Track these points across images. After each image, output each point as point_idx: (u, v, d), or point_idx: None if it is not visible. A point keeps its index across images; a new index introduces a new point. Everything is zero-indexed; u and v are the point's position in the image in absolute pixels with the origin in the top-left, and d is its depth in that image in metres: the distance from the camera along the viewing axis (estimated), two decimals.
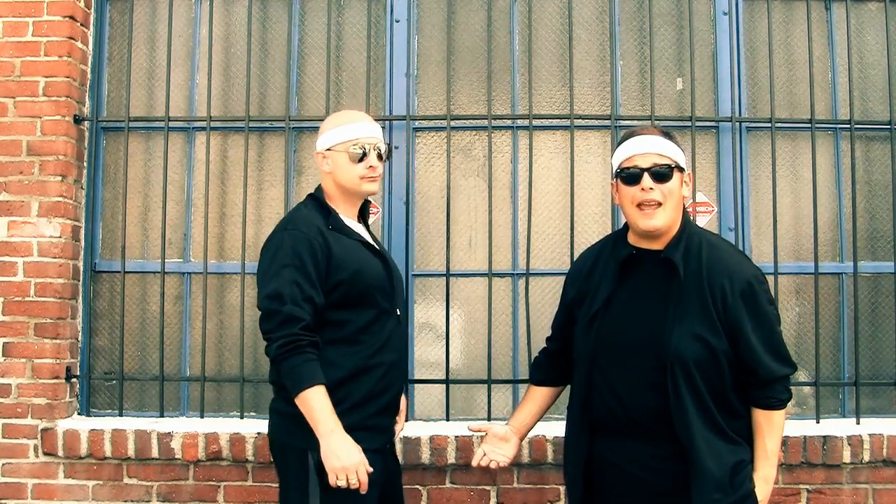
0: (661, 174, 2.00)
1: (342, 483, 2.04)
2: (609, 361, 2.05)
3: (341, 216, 2.31)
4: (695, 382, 1.95)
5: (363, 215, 2.42)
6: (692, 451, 1.95)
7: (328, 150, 2.31)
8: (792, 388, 3.10)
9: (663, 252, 2.05)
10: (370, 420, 2.19)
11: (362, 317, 2.20)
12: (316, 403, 2.06)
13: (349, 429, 2.12)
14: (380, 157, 2.33)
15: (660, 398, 1.97)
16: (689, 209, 3.01)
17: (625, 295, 2.08)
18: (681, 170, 2.05)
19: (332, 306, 2.17)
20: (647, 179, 2.00)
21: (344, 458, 2.03)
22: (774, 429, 2.06)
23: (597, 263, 2.18)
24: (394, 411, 2.32)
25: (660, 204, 2.01)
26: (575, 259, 2.42)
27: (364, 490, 2.06)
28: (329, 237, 2.19)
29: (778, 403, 2.05)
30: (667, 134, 2.09)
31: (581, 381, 2.12)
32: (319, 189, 2.37)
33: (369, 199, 2.44)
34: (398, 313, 2.31)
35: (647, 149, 2.02)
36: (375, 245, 2.36)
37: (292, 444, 2.17)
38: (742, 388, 2.04)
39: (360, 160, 2.28)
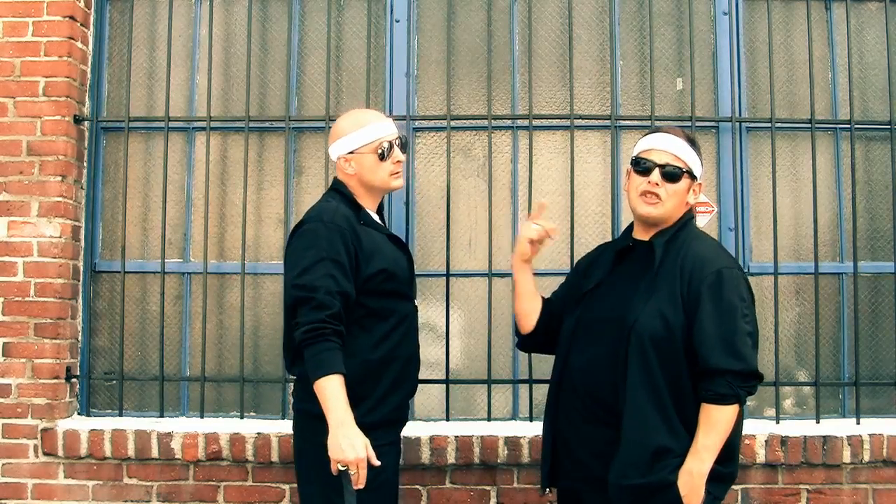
0: (672, 174, 2.13)
1: (342, 465, 2.06)
2: (585, 340, 2.17)
3: (368, 211, 2.34)
4: (647, 357, 2.01)
5: (380, 210, 2.43)
6: (624, 424, 2.01)
7: (351, 153, 2.31)
8: (792, 387, 3.16)
9: (651, 239, 2.17)
10: (392, 414, 2.25)
11: (389, 310, 2.25)
12: (330, 392, 2.06)
13: (374, 425, 2.15)
14: (402, 150, 2.36)
15: (615, 373, 2.05)
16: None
17: (613, 280, 2.21)
18: (692, 177, 2.17)
19: (362, 297, 2.19)
20: (656, 174, 2.13)
21: (348, 452, 2.04)
22: (710, 425, 2.00)
23: (603, 254, 2.35)
24: (409, 401, 2.41)
25: (661, 200, 2.13)
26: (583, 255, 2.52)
27: (361, 485, 2.06)
28: (360, 231, 2.22)
29: (715, 398, 2.00)
30: (692, 141, 2.20)
31: (559, 360, 2.24)
32: (341, 184, 2.35)
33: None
34: (416, 303, 2.39)
35: (666, 147, 2.14)
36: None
37: (324, 442, 2.11)
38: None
39: (387, 158, 2.30)
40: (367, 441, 2.08)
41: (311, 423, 2.17)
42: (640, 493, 1.99)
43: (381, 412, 2.21)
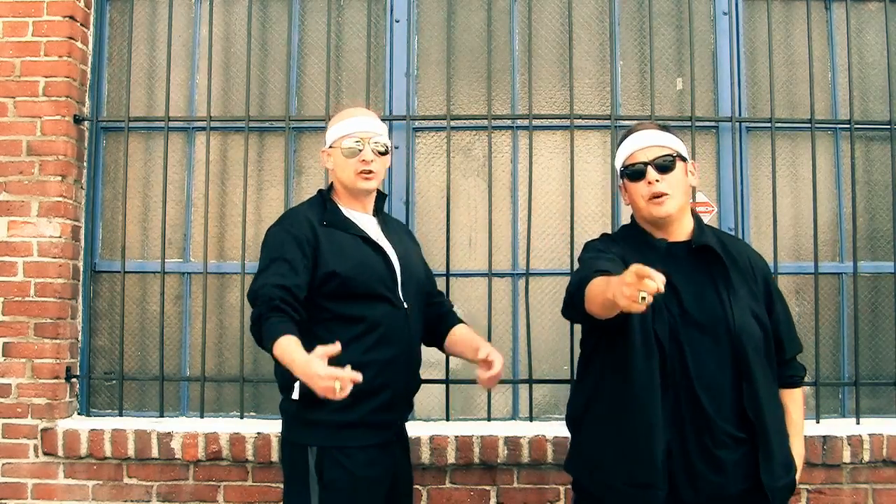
0: (665, 166, 2.05)
1: (331, 395, 1.88)
2: (688, 348, 1.96)
3: (344, 210, 2.29)
4: (761, 360, 2.01)
5: (378, 208, 2.38)
6: (764, 431, 1.97)
7: (330, 147, 2.32)
8: None
9: (694, 242, 2.08)
10: (368, 417, 2.17)
11: (357, 314, 2.18)
12: (281, 351, 2.00)
13: (346, 426, 2.14)
14: (381, 152, 2.29)
15: (735, 382, 1.97)
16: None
17: (674, 282, 1.97)
18: (683, 159, 2.11)
19: (324, 300, 2.17)
20: (651, 172, 2.04)
21: (313, 382, 1.89)
22: (799, 405, 2.19)
23: (626, 252, 2.08)
24: (400, 406, 2.29)
25: (667, 194, 2.04)
26: (588, 244, 2.24)
27: (343, 393, 1.87)
28: (320, 232, 2.19)
29: (798, 380, 2.19)
30: (663, 127, 2.15)
31: (651, 368, 1.95)
32: (330, 184, 2.38)
33: (382, 191, 2.42)
34: (406, 307, 2.27)
35: (647, 142, 2.07)
36: (383, 238, 2.32)
37: (294, 440, 2.20)
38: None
39: (354, 155, 2.25)
40: (316, 361, 1.90)
41: (287, 422, 2.24)
42: (789, 491, 2.06)
43: (357, 414, 2.14)
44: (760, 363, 2.00)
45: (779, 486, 1.99)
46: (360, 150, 2.26)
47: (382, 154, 2.31)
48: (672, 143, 2.10)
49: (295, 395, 2.17)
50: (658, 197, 2.03)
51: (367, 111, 2.40)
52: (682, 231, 2.10)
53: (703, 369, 1.96)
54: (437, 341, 2.48)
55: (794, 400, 2.17)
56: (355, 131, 2.27)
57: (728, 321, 1.98)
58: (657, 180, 2.03)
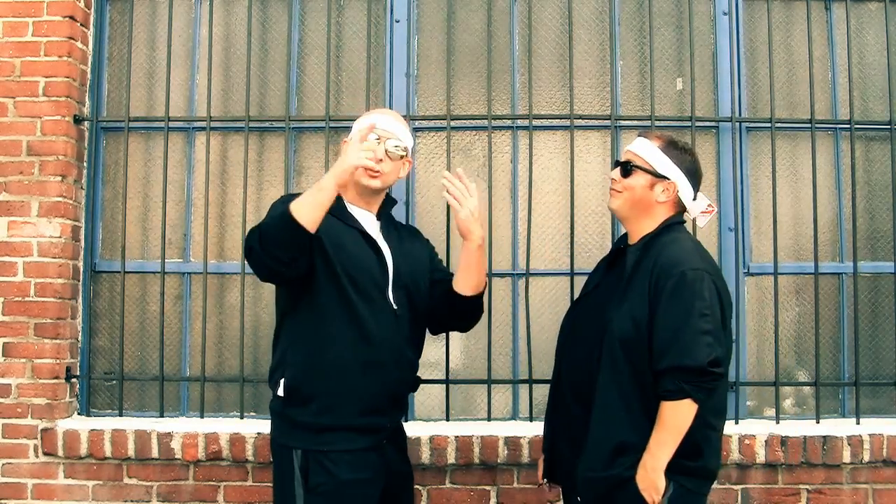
0: (626, 170, 2.25)
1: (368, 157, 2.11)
2: (572, 342, 2.29)
3: (347, 203, 2.27)
4: (615, 357, 2.09)
5: (384, 212, 2.36)
6: (592, 420, 2.11)
7: (350, 137, 2.27)
8: (792, 388, 3.16)
9: (629, 250, 2.25)
10: (352, 420, 2.14)
11: (343, 309, 2.14)
12: (301, 198, 2.06)
13: (329, 429, 2.12)
14: (396, 157, 2.26)
15: (592, 373, 2.14)
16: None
17: (603, 283, 2.31)
18: (657, 176, 2.21)
19: (312, 293, 2.15)
20: (614, 171, 2.29)
21: (348, 159, 2.07)
22: (661, 421, 2.02)
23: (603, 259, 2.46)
24: (389, 410, 2.25)
25: (617, 191, 2.26)
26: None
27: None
28: (325, 218, 2.13)
29: (664, 394, 2.01)
30: (672, 143, 2.25)
31: (555, 362, 2.38)
32: None
33: (391, 196, 2.41)
34: (395, 308, 2.23)
35: (631, 147, 2.29)
36: (381, 238, 2.29)
37: (281, 441, 2.20)
38: None
39: (367, 150, 2.19)
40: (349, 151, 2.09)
41: (275, 422, 2.24)
42: (601, 487, 2.07)
43: (340, 416, 2.13)
44: (613, 360, 2.09)
45: (586, 476, 2.10)
46: (372, 143, 2.22)
47: (397, 158, 2.28)
48: (649, 156, 2.22)
49: (280, 392, 2.16)
50: (613, 190, 2.28)
51: (399, 116, 2.37)
52: (635, 236, 2.27)
53: (574, 364, 2.24)
54: (459, 304, 2.40)
55: (661, 415, 2.02)
56: (374, 122, 2.24)
57: (603, 320, 2.14)
58: (613, 178, 2.28)
